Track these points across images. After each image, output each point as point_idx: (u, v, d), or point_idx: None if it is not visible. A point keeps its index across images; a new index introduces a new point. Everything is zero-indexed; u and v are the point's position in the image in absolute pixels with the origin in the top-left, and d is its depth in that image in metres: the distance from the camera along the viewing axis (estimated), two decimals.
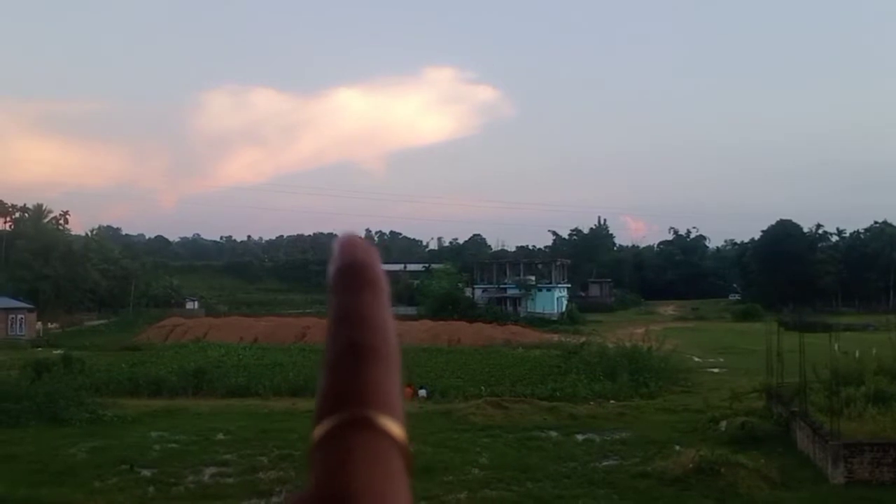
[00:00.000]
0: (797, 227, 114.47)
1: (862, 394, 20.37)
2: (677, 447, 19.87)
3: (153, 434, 22.89)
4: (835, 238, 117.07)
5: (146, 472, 17.80)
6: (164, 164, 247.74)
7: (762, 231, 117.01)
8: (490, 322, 70.44)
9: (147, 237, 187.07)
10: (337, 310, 0.54)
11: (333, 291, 0.55)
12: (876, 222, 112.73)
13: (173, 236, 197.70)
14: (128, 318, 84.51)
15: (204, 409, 28.16)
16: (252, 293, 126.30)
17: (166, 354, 46.73)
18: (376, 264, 0.57)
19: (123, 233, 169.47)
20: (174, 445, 21.28)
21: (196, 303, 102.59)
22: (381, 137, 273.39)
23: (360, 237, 0.58)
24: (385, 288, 0.56)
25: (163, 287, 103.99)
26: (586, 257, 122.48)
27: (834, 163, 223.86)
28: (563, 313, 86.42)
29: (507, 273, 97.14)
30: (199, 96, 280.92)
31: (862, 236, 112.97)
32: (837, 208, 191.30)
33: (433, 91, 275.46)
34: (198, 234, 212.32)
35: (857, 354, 24.34)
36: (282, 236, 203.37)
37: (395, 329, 0.55)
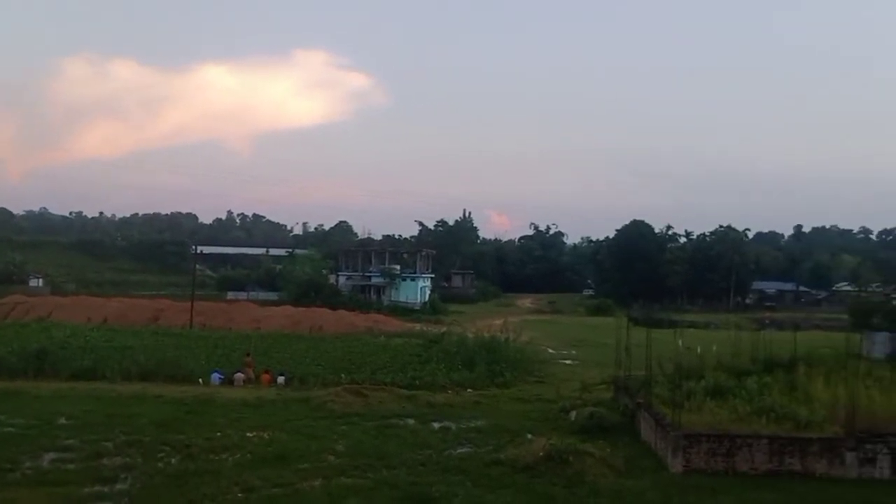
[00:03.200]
0: (649, 228, 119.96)
1: (702, 387, 21.67)
2: (529, 436, 20.46)
3: None
4: (683, 240, 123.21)
5: None
6: (11, 133, 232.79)
7: (616, 230, 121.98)
8: (353, 310, 70.31)
9: None
10: None
11: None
12: (721, 226, 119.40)
13: (18, 209, 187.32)
14: None
15: (45, 391, 26.76)
16: (103, 272, 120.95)
17: (6, 334, 44.05)
18: None
19: None
20: (10, 429, 20.10)
21: (41, 280, 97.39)
22: (249, 118, 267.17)
23: None
24: None
25: (4, 262, 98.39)
26: (451, 249, 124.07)
27: (686, 168, 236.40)
28: (425, 303, 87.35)
29: (373, 261, 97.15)
30: (53, 63, 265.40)
31: (707, 239, 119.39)
32: (687, 211, 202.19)
33: (304, 74, 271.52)
34: (45, 208, 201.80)
35: (699, 350, 25.75)
36: (137, 214, 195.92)
37: None
